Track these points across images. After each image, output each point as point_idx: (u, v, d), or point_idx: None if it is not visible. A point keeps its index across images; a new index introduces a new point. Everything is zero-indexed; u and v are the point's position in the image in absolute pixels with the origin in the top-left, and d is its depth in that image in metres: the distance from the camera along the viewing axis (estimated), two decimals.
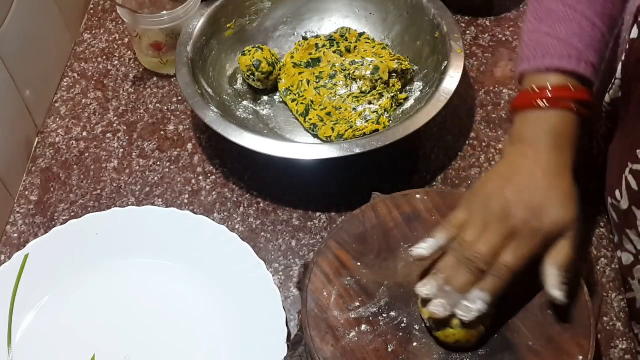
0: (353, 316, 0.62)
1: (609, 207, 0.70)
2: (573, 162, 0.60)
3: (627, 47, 0.63)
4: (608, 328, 0.66)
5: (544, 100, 0.59)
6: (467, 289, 0.57)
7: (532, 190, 0.59)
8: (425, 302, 0.59)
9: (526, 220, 0.58)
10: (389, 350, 0.60)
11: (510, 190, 0.59)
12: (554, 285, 0.58)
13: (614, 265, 0.70)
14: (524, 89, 0.61)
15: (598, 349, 0.64)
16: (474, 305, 0.57)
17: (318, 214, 0.75)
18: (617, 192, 0.66)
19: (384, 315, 0.62)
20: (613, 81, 0.67)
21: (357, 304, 0.62)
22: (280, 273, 0.71)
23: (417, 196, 0.69)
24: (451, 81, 0.76)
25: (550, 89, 0.59)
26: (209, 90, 0.79)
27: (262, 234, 0.74)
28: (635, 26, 0.63)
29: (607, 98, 0.69)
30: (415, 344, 0.60)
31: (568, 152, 0.59)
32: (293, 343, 0.63)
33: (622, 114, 0.67)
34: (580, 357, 0.58)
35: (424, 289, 0.58)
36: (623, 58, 0.64)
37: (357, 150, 0.70)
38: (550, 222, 0.58)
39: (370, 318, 0.61)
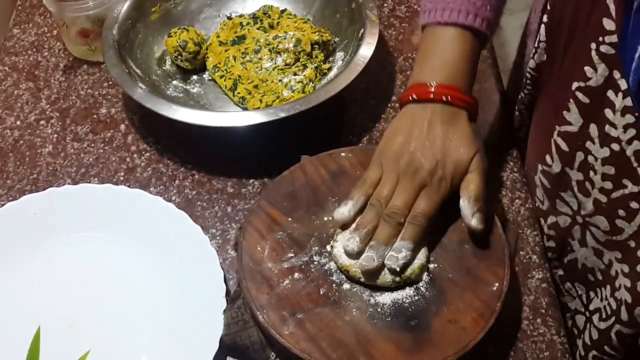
0: (286, 266, 0.65)
1: (539, 174, 0.72)
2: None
3: (549, 7, 0.66)
4: (524, 261, 0.71)
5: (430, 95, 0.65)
6: (391, 241, 0.63)
7: (432, 139, 0.65)
8: (341, 259, 0.64)
9: (432, 170, 0.64)
10: (321, 293, 0.63)
11: (414, 144, 0.65)
12: (468, 215, 0.63)
13: (528, 205, 0.75)
14: (411, 86, 0.67)
15: (515, 278, 0.69)
16: (400, 254, 0.62)
17: (251, 180, 0.79)
18: (548, 157, 0.69)
19: (315, 263, 0.65)
20: (537, 45, 0.69)
21: (290, 255, 0.66)
22: (218, 237, 0.74)
23: (342, 154, 0.73)
24: (368, 47, 0.80)
25: (433, 87, 0.65)
26: (138, 71, 0.82)
27: (199, 203, 0.77)
28: None
29: (531, 63, 0.71)
30: (345, 286, 0.64)
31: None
32: (232, 298, 0.66)
33: (546, 79, 0.70)
34: (497, 284, 0.63)
35: (349, 243, 0.63)
36: (545, 19, 0.67)
37: (282, 115, 0.74)
38: (453, 164, 0.64)
39: (302, 266, 0.65)
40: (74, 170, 0.80)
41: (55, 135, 0.83)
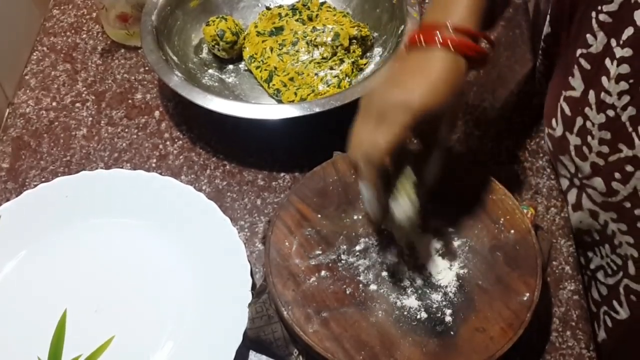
0: (313, 263, 0.65)
1: (545, 138, 0.75)
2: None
3: None
4: (557, 272, 0.70)
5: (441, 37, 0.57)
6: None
7: (403, 80, 0.57)
8: None
9: (386, 100, 0.56)
10: (347, 292, 0.63)
11: (393, 87, 0.57)
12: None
13: (563, 214, 0.74)
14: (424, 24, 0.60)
15: (547, 289, 0.68)
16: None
17: (282, 174, 0.78)
18: (554, 121, 0.72)
19: (342, 261, 0.65)
20: (547, 18, 0.72)
21: (317, 252, 0.65)
22: (246, 230, 0.74)
23: None
24: None
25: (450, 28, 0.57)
26: (174, 58, 0.82)
27: (228, 194, 0.77)
28: None
29: (545, 31, 0.73)
30: (372, 287, 0.63)
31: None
32: (257, 292, 0.66)
33: (555, 47, 0.72)
34: (527, 294, 0.61)
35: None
36: None
37: (317, 109, 0.73)
38: (398, 100, 0.56)
39: (330, 265, 0.65)
40: (107, 155, 0.80)
41: (90, 119, 0.84)
